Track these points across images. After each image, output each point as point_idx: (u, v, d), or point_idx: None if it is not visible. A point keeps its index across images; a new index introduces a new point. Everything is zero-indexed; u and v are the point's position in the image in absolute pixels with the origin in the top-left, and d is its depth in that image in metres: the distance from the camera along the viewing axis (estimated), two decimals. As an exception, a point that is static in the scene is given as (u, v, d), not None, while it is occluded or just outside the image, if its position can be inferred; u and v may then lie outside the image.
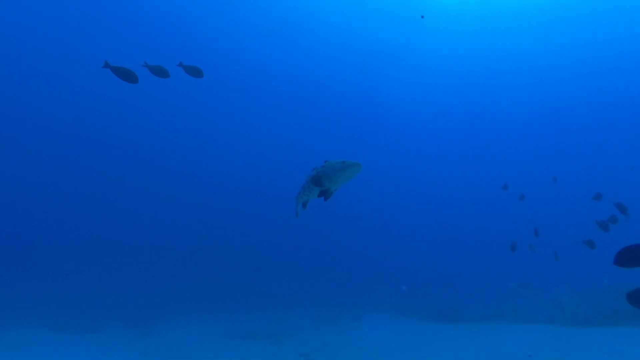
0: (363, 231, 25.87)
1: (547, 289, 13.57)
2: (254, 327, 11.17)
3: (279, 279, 17.86)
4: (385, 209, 28.02)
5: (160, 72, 5.69)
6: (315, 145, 32.03)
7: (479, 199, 29.44)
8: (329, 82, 29.90)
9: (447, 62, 27.98)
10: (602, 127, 29.94)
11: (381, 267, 19.37)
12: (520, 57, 26.99)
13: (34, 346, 9.35)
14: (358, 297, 14.67)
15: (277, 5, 24.19)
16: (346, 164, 3.42)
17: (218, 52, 27.04)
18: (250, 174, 30.57)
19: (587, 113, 29.78)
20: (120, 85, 26.91)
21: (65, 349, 9.25)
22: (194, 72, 5.94)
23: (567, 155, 30.45)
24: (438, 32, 25.80)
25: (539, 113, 30.28)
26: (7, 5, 21.77)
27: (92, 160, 28.83)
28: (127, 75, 5.37)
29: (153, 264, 21.05)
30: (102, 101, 27.71)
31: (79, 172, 28.59)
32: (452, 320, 11.49)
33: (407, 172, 31.89)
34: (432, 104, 31.32)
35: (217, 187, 29.96)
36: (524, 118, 30.78)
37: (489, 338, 9.10)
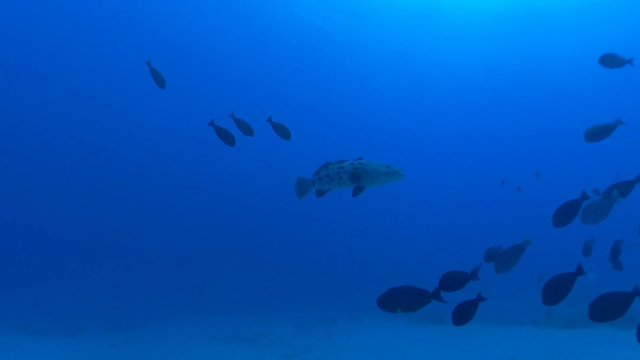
0: (350, 232, 25.82)
1: (531, 291, 13.71)
2: (240, 329, 11.05)
3: (265, 281, 17.72)
4: (375, 210, 27.93)
5: (245, 128, 5.33)
6: (309, 147, 31.86)
7: (468, 203, 29.52)
8: (323, 82, 29.77)
9: (445, 63, 27.91)
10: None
11: (368, 269, 19.32)
12: (518, 57, 27.04)
13: (10, 350, 9.09)
14: (344, 300, 14.64)
15: (275, 5, 24.00)
16: (391, 169, 3.38)
17: (212, 51, 26.77)
18: (242, 173, 30.28)
19: (586, 113, 29.92)
20: (118, 84, 26.67)
21: (43, 353, 9.02)
22: (282, 131, 5.46)
23: (563, 156, 30.51)
24: (432, 32, 25.83)
25: (535, 113, 30.32)
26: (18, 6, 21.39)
27: (76, 161, 28.36)
28: (226, 137, 5.17)
29: (137, 266, 20.71)
30: (98, 100, 27.33)
31: (62, 171, 28.08)
32: (438, 322, 11.54)
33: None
34: (424, 103, 31.35)
35: (204, 187, 29.69)
36: (520, 118, 30.82)
37: (474, 340, 9.16)
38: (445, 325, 11.07)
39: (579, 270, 3.19)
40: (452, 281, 3.29)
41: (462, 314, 3.26)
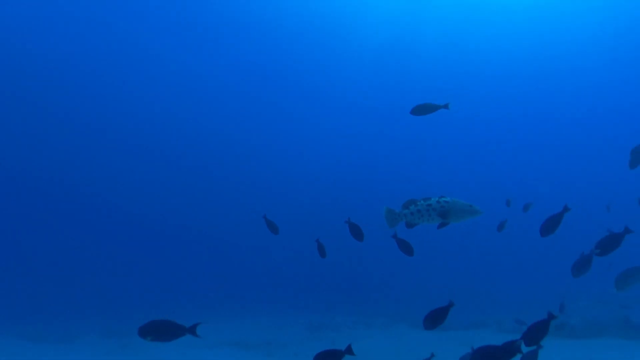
0: (348, 235, 25.48)
1: (532, 299, 13.82)
2: (244, 335, 10.86)
3: (271, 282, 17.46)
4: (376, 212, 27.34)
5: (357, 233, 5.48)
6: (312, 145, 31.52)
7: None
8: (320, 78, 29.25)
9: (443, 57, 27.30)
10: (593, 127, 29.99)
11: (373, 272, 19.14)
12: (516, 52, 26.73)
13: (6, 357, 8.79)
14: (352, 302, 14.58)
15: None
16: (474, 209, 3.99)
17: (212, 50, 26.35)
18: (243, 172, 29.86)
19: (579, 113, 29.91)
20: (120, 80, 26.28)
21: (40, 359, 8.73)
22: (357, 232, 5.45)
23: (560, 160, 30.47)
24: (429, 24, 25.32)
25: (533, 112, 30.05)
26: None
27: (73, 162, 27.67)
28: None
29: (133, 269, 20.28)
30: (100, 95, 26.74)
31: (56, 175, 27.41)
32: (443, 328, 11.51)
33: (403, 174, 31.62)
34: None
35: (205, 186, 29.23)
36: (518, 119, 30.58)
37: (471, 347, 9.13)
38: (450, 332, 11.07)
39: (627, 230, 3.87)
40: None
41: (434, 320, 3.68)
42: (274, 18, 24.31)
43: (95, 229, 25.51)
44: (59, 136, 27.39)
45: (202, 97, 28.47)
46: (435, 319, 3.71)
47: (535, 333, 3.53)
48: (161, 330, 3.53)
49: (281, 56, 26.97)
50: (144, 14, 23.02)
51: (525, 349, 3.38)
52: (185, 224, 26.63)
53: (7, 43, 22.89)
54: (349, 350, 3.38)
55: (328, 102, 30.72)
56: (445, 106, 5.03)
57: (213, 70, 27.59)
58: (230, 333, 11.12)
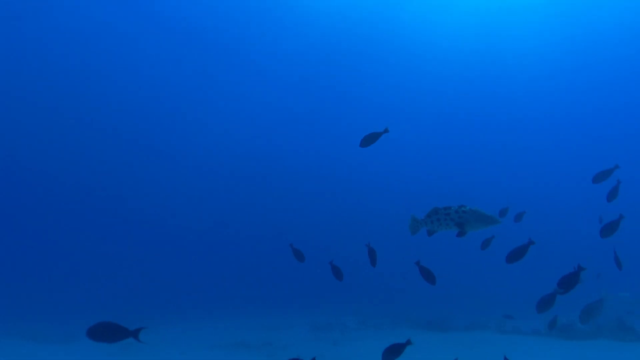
0: (365, 233, 25.35)
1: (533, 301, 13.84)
2: (245, 336, 10.85)
3: (272, 282, 17.43)
4: (380, 213, 27.32)
5: (372, 257, 5.67)
6: (316, 145, 31.47)
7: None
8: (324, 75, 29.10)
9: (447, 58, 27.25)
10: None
11: (377, 274, 19.16)
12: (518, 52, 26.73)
13: (10, 356, 8.79)
14: (354, 304, 14.57)
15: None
16: (490, 219, 4.06)
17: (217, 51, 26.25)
18: (243, 169, 29.84)
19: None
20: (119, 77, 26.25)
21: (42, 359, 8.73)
22: (429, 276, 5.73)
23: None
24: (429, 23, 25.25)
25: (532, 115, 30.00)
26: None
27: (72, 165, 27.60)
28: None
29: (133, 269, 20.24)
30: (100, 96, 26.70)
31: (57, 178, 27.36)
32: (440, 329, 11.59)
33: (407, 175, 31.59)
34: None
35: (207, 187, 29.15)
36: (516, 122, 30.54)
37: (480, 350, 9.18)
38: (449, 333, 11.11)
39: (580, 268, 4.22)
40: None
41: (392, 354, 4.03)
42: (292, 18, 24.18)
43: (96, 230, 25.50)
44: (60, 139, 27.37)
45: (204, 99, 28.48)
46: (392, 353, 4.04)
47: None
48: (106, 332, 3.70)
49: (292, 59, 26.94)
50: (145, 15, 23.12)
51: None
52: (187, 224, 26.60)
53: (8, 43, 22.93)
54: None
55: (329, 103, 30.77)
56: (385, 131, 5.38)
57: (218, 72, 27.63)
58: (231, 334, 11.13)
